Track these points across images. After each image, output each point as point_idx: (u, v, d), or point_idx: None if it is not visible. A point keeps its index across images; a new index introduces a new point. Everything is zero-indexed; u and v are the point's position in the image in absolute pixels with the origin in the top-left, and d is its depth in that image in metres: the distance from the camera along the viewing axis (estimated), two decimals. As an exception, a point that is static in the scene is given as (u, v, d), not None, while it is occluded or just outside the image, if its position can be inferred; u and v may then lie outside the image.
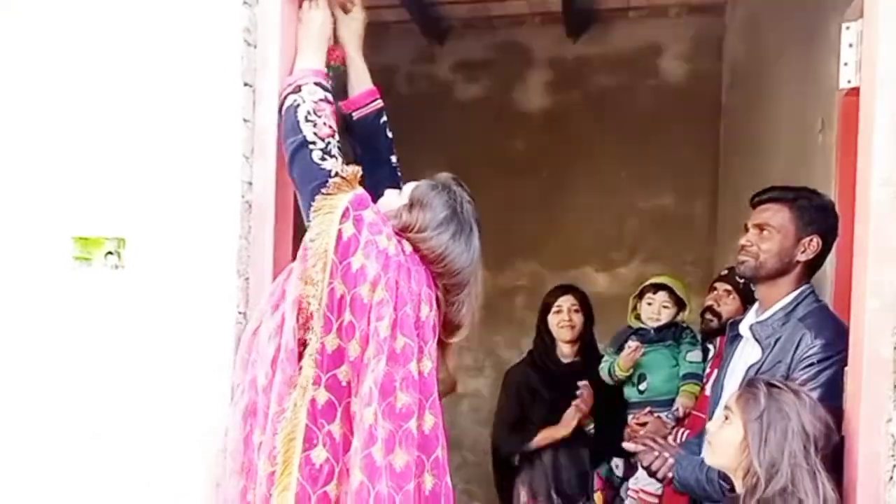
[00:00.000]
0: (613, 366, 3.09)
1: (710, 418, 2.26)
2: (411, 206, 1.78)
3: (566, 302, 3.22)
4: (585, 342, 3.25)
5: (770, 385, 1.81)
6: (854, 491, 1.75)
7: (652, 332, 3.12)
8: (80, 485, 1.86)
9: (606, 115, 5.15)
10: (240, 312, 1.81)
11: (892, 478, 1.71)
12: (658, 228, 5.12)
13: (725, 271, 3.05)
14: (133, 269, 1.84)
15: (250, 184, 1.84)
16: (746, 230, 2.19)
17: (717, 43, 5.12)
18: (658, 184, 5.12)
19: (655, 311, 3.13)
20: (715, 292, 3.01)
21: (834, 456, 1.80)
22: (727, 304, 2.96)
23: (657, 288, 3.17)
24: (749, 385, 1.85)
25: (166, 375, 1.83)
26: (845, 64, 1.96)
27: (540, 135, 5.31)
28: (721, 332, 2.89)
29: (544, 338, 3.24)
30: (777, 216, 2.13)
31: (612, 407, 3.14)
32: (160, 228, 1.84)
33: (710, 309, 3.00)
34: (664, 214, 5.16)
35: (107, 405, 1.86)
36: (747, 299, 2.91)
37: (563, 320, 3.19)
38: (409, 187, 1.87)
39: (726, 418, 1.84)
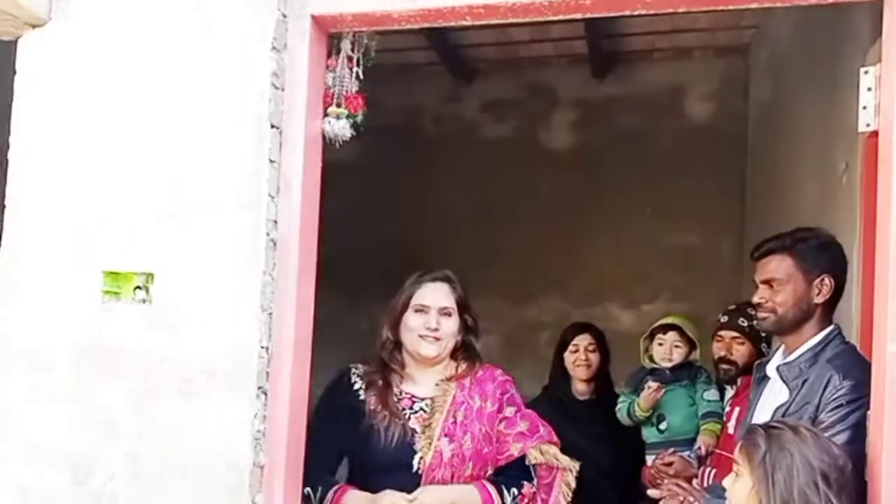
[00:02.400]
0: (633, 406, 3.07)
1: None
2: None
3: (583, 341, 3.23)
4: (601, 380, 3.25)
5: (768, 428, 1.81)
6: (877, 536, 1.73)
7: (668, 372, 3.10)
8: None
9: (632, 155, 5.18)
10: (262, 347, 1.85)
11: (915, 523, 1.68)
12: (684, 267, 5.10)
13: (725, 318, 3.00)
14: (160, 303, 1.90)
15: (275, 222, 1.89)
16: (756, 287, 2.18)
17: (743, 83, 5.14)
18: (684, 222, 5.12)
19: (667, 350, 3.11)
20: (722, 342, 2.97)
21: (859, 497, 1.78)
22: (738, 350, 2.92)
23: (667, 328, 3.15)
24: (748, 433, 1.85)
25: (191, 409, 1.87)
26: (864, 108, 1.97)
27: (566, 174, 5.35)
28: (742, 375, 2.88)
29: (559, 374, 3.25)
30: (781, 267, 2.12)
31: (627, 458, 3.13)
32: (187, 264, 1.90)
33: (724, 359, 2.96)
34: (690, 253, 5.14)
35: (133, 439, 1.90)
36: (757, 340, 2.91)
37: (579, 359, 3.21)
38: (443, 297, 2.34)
39: (736, 473, 1.83)
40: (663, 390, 3.02)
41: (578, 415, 3.13)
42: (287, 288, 1.87)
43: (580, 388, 3.23)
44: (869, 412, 1.86)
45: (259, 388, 1.85)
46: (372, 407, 2.20)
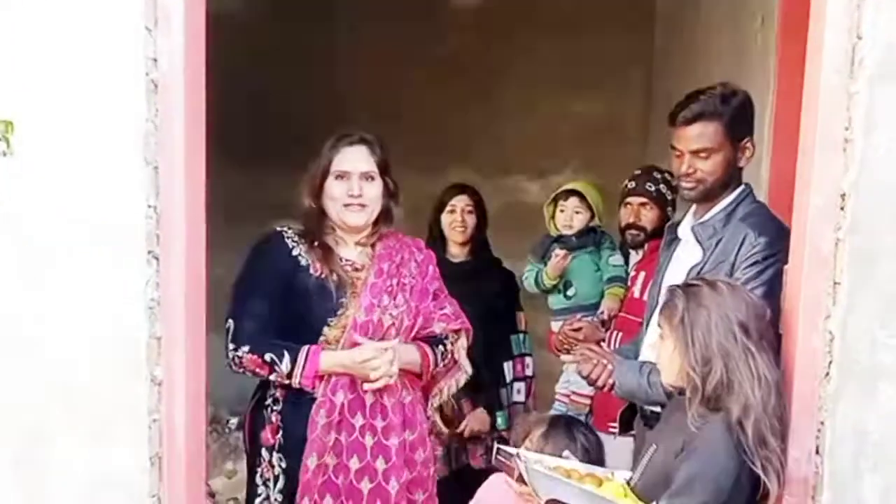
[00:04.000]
0: (540, 275, 3.06)
1: (646, 323, 2.24)
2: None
3: (460, 202, 3.12)
4: (478, 244, 3.16)
5: (686, 287, 1.79)
6: (791, 388, 1.75)
7: (573, 239, 3.07)
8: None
9: (538, 14, 4.95)
10: (149, 206, 1.63)
11: (828, 374, 1.71)
12: (591, 134, 5.03)
13: (632, 183, 2.95)
14: (24, 156, 1.62)
15: (155, 60, 1.62)
16: (679, 155, 2.06)
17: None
18: (591, 88, 5.00)
19: (568, 217, 3.08)
20: (630, 207, 2.93)
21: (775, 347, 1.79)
22: (646, 216, 2.89)
23: (568, 194, 3.11)
24: (668, 294, 1.82)
25: (74, 277, 1.64)
26: (789, -51, 1.85)
27: (470, 34, 5.08)
28: (649, 240, 2.86)
29: (436, 237, 3.13)
30: (709, 134, 2.01)
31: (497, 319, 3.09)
32: (54, 109, 1.61)
33: (632, 225, 2.92)
34: (596, 121, 5.07)
35: (12, 313, 1.67)
36: (664, 204, 2.89)
37: (455, 220, 3.10)
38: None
39: (661, 337, 1.81)
40: (570, 257, 3.01)
41: (449, 276, 2.89)
42: (173, 137, 1.63)
43: (454, 252, 3.14)
44: (785, 266, 1.86)
45: (149, 252, 1.64)
46: (318, 271, 2.12)
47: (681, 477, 1.68)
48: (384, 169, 2.21)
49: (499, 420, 3.05)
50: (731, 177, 2.07)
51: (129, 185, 1.61)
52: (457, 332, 2.30)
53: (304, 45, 5.02)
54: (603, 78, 4.98)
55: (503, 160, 5.14)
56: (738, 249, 1.98)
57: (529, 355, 3.19)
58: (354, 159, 2.16)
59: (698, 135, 2.03)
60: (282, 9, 4.90)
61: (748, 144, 2.06)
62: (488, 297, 3.06)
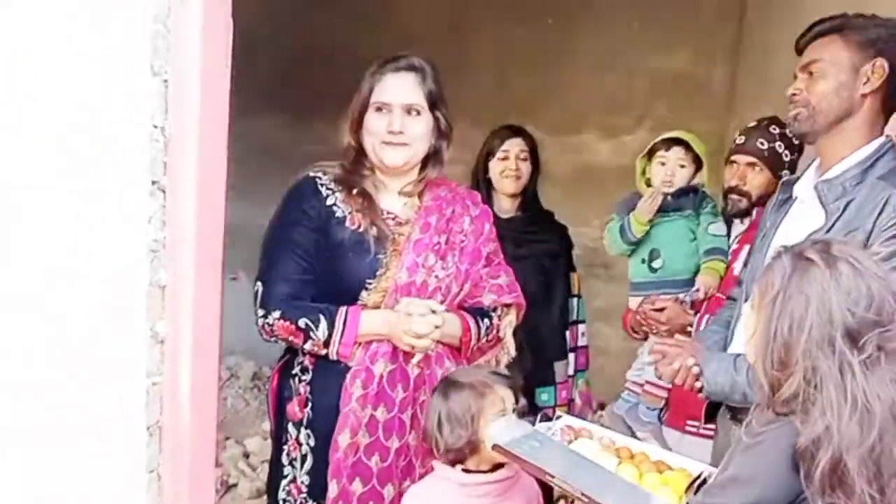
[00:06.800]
0: (628, 222, 2.63)
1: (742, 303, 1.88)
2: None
3: (514, 147, 2.72)
4: (529, 197, 2.77)
5: (800, 255, 1.36)
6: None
7: (669, 198, 2.63)
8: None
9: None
10: (155, 126, 1.33)
11: None
12: (670, 93, 4.63)
13: (742, 139, 2.52)
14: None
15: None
16: (795, 79, 1.79)
17: None
18: (674, 41, 4.60)
19: (669, 171, 2.62)
20: (735, 167, 2.51)
21: None
22: (755, 179, 2.47)
23: (670, 143, 2.65)
24: (775, 258, 1.41)
25: (50, 208, 1.36)
26: None
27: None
28: (756, 208, 2.46)
29: (482, 187, 2.72)
30: (826, 50, 1.73)
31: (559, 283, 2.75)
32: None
33: (735, 190, 2.50)
34: (678, 77, 4.65)
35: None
36: (777, 166, 2.46)
37: (508, 168, 2.69)
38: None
39: (752, 307, 1.43)
40: (661, 197, 2.59)
41: (501, 234, 2.58)
42: (188, 43, 1.33)
43: (504, 206, 2.74)
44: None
45: (153, 182, 1.35)
46: (356, 224, 1.85)
47: (723, 475, 1.38)
48: (434, 102, 1.89)
49: (543, 396, 2.68)
50: (848, 105, 1.72)
51: (131, 99, 1.31)
52: (507, 306, 2.00)
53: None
54: (689, 30, 4.59)
55: (572, 115, 4.79)
56: (879, 214, 1.61)
57: (583, 322, 2.82)
58: (397, 89, 1.86)
59: (811, 51, 1.76)
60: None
61: (877, 65, 1.70)
62: (543, 258, 2.72)
